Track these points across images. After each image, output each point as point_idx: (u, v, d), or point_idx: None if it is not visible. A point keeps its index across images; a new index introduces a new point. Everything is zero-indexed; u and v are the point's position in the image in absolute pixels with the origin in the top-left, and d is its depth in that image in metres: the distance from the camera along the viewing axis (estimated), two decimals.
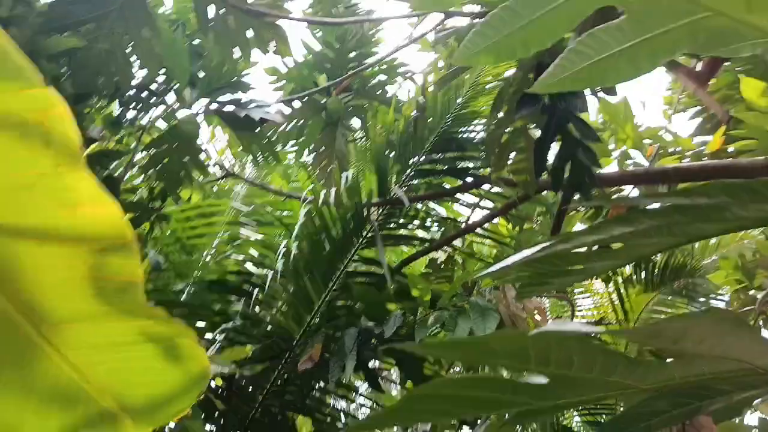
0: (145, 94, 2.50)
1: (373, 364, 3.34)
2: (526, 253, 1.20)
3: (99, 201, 0.73)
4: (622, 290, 4.61)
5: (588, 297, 4.93)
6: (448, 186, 3.45)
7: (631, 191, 4.57)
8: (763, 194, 0.89)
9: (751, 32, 0.90)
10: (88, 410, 0.88)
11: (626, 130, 3.30)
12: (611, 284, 4.65)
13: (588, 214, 4.36)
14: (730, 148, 3.49)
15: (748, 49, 0.89)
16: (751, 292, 4.16)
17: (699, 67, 2.75)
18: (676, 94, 4.12)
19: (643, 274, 4.54)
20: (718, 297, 4.72)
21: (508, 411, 0.76)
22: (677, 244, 1.38)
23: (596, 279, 4.40)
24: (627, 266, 4.68)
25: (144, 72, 2.41)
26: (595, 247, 1.19)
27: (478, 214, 3.87)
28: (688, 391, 0.98)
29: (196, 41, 2.57)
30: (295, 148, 3.71)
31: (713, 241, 4.82)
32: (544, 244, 1.17)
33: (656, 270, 4.43)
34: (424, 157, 3.28)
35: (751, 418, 3.90)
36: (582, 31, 1.02)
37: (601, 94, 2.59)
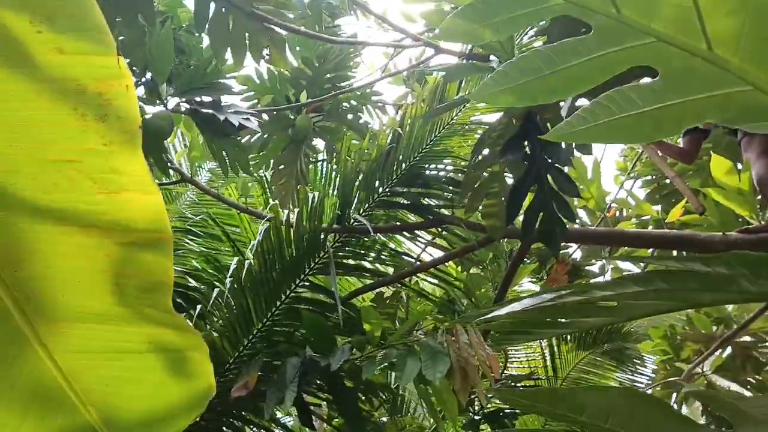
0: None
1: None
2: (531, 301, 1.15)
3: (145, 188, 0.63)
4: (555, 346, 4.68)
5: (520, 349, 4.96)
6: (407, 221, 3.42)
7: (575, 250, 4.69)
8: None
9: None
10: (68, 420, 0.78)
11: (591, 190, 3.38)
12: (545, 339, 4.70)
13: (532, 267, 4.42)
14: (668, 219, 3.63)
15: None
16: (677, 364, 4.29)
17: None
18: (629, 161, 4.26)
19: (577, 333, 4.62)
20: (644, 364, 4.85)
21: None
22: (674, 309, 1.37)
23: None
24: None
25: None
26: None
27: (428, 253, 3.85)
28: None
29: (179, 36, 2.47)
30: (254, 162, 3.59)
31: None
32: (555, 293, 1.12)
33: (591, 330, 4.51)
34: (388, 189, 3.23)
35: None
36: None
37: (576, 152, 2.62)
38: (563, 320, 1.24)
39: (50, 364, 0.73)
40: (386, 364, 2.74)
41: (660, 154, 3.16)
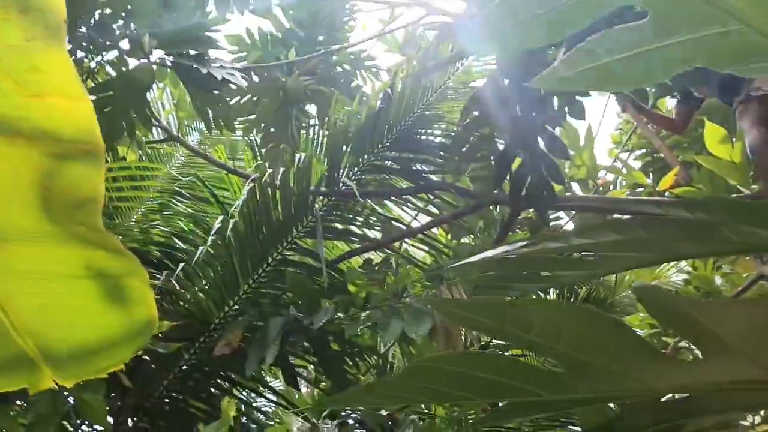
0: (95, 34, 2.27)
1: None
2: (505, 248, 1.11)
3: (72, 93, 0.59)
4: None
5: None
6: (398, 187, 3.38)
7: (567, 222, 4.65)
8: (762, 217, 0.85)
9: None
10: (3, 350, 0.74)
11: (583, 157, 3.33)
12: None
13: (522, 236, 4.39)
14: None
15: None
16: (664, 338, 4.26)
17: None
18: (624, 134, 4.22)
19: (564, 303, 4.59)
20: None
21: (512, 399, 0.67)
22: (653, 262, 1.33)
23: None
24: (551, 292, 4.75)
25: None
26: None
27: (418, 221, 3.82)
28: (673, 407, 0.93)
29: None
30: (244, 125, 3.54)
31: (627, 277, 4.83)
32: (526, 241, 1.09)
33: (577, 301, 4.50)
34: (379, 153, 3.20)
35: None
36: None
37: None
38: (543, 274, 1.21)
39: None
40: (370, 324, 2.74)
41: (650, 124, 3.11)
